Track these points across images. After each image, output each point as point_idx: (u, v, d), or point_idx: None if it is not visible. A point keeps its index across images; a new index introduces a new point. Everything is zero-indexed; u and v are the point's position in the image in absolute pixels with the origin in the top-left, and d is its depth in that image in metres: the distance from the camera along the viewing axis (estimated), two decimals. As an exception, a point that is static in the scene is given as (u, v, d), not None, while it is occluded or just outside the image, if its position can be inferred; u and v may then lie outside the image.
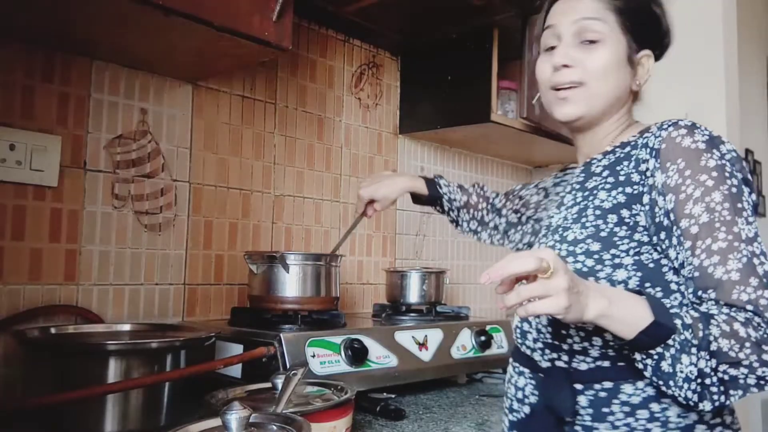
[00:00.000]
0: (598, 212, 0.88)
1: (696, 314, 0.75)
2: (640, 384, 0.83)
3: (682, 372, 0.73)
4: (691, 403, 0.74)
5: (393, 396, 1.24)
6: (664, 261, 0.84)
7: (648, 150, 0.86)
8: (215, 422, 0.73)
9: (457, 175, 2.21)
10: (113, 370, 0.96)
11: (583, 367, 0.86)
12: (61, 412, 0.95)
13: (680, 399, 0.75)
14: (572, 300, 0.70)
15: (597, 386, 0.85)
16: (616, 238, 0.85)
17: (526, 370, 0.94)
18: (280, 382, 0.90)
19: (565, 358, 0.88)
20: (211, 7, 1.07)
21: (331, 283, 1.38)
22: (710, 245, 0.78)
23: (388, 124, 1.97)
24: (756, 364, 0.73)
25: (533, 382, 0.92)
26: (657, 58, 0.99)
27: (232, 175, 1.54)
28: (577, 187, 0.96)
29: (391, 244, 1.96)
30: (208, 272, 1.48)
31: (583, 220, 0.89)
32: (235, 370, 1.17)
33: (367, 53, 1.91)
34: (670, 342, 0.73)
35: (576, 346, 0.86)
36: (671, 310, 0.75)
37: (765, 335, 0.73)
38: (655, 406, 0.83)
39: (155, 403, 1.01)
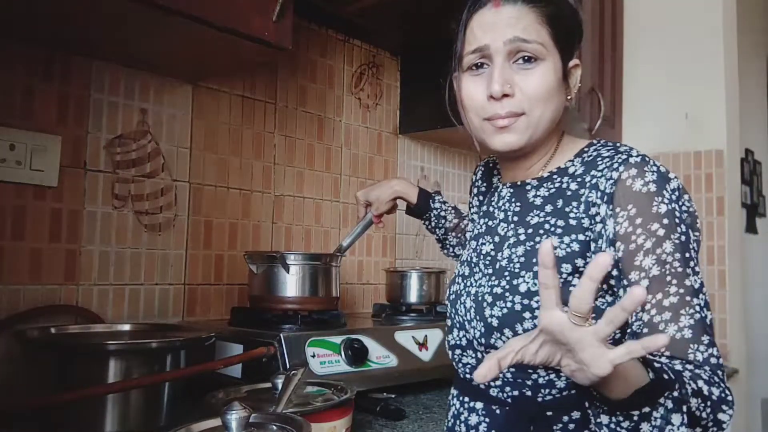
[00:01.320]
0: None
1: (674, 368, 0.69)
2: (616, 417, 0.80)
3: None
4: None
5: (393, 396, 1.24)
6: None
7: (598, 193, 0.78)
8: (215, 422, 0.73)
9: (457, 175, 2.21)
10: (113, 370, 0.96)
11: (549, 398, 0.81)
12: (61, 412, 0.95)
13: None
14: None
15: (565, 418, 0.80)
16: (571, 288, 0.74)
17: (479, 405, 0.87)
18: (280, 382, 0.90)
19: (528, 393, 0.82)
20: (211, 7, 1.07)
21: (331, 283, 1.38)
22: (661, 300, 0.73)
23: (388, 124, 1.97)
24: (710, 424, 0.69)
25: (487, 419, 0.85)
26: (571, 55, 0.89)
27: (232, 175, 1.54)
28: (516, 219, 0.88)
29: (391, 244, 1.96)
30: (208, 272, 1.48)
31: (535, 269, 0.79)
32: (235, 370, 1.17)
33: (367, 53, 1.91)
34: (661, 400, 0.63)
35: (541, 380, 0.81)
36: (655, 364, 0.66)
37: (723, 394, 0.70)
38: None
39: (155, 403, 1.01)
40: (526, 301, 0.79)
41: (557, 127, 0.89)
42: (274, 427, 0.74)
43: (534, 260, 0.80)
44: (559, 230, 0.81)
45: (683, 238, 0.76)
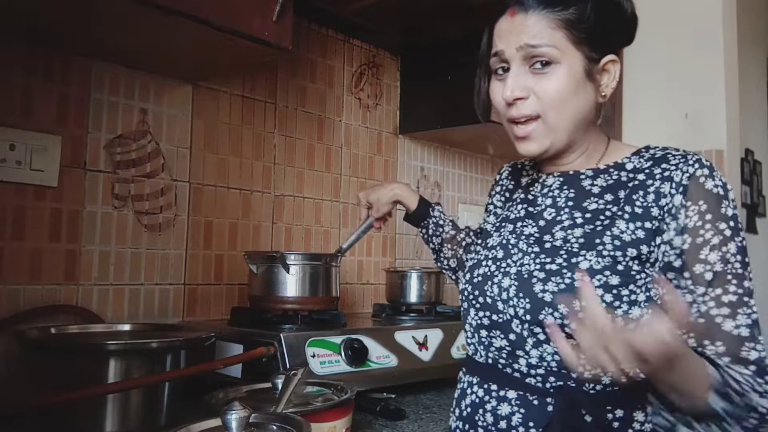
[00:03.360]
0: (617, 243, 0.82)
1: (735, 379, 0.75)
2: (650, 410, 0.80)
3: None
4: None
5: (393, 396, 1.24)
6: None
7: (672, 184, 0.82)
8: (215, 422, 0.73)
9: (457, 175, 2.21)
10: (113, 370, 0.96)
11: (593, 392, 0.81)
12: (61, 412, 0.95)
13: None
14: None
15: (609, 416, 0.80)
16: (633, 272, 0.81)
17: (511, 394, 0.85)
18: (280, 382, 0.90)
19: (572, 384, 0.81)
20: (211, 7, 1.07)
21: (331, 283, 1.38)
22: (720, 295, 0.77)
23: (388, 124, 1.97)
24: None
25: (522, 410, 0.83)
26: (627, 44, 0.93)
27: (232, 175, 1.54)
28: (571, 204, 0.89)
29: (391, 244, 1.96)
30: (208, 272, 1.48)
31: (599, 248, 0.82)
32: (235, 370, 1.17)
33: (367, 53, 1.91)
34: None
35: (587, 374, 0.78)
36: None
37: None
38: None
39: (155, 403, 1.01)
40: (587, 278, 0.77)
41: (595, 125, 0.92)
42: (274, 427, 0.74)
43: (601, 243, 0.83)
44: (626, 215, 0.84)
45: (744, 243, 0.81)
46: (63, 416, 0.95)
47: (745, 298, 0.78)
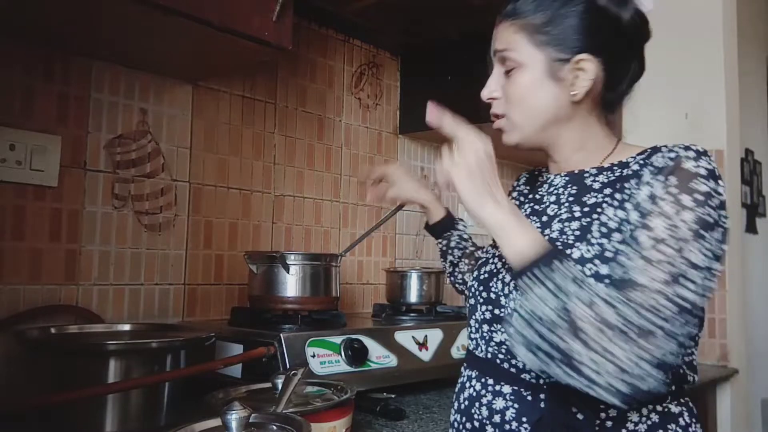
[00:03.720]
0: (603, 230, 0.82)
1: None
2: (645, 410, 0.81)
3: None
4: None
5: (393, 396, 1.24)
6: None
7: (655, 169, 0.81)
8: (215, 422, 0.73)
9: (457, 175, 2.21)
10: (113, 370, 0.96)
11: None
12: (61, 412, 0.95)
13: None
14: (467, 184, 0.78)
15: (603, 415, 0.80)
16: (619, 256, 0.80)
17: (506, 389, 0.86)
18: (280, 382, 0.90)
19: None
20: (211, 7, 1.07)
21: (331, 283, 1.38)
22: (651, 254, 0.72)
23: (388, 124, 1.97)
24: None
25: (516, 405, 0.84)
26: (646, 40, 0.93)
27: (232, 175, 1.54)
28: (571, 199, 0.90)
29: (391, 244, 1.96)
30: (208, 272, 1.48)
31: (589, 237, 0.83)
32: (235, 370, 1.17)
33: (367, 53, 1.91)
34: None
35: None
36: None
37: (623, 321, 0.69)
38: None
39: (155, 403, 1.01)
40: (578, 267, 0.78)
41: (595, 121, 0.93)
42: (274, 427, 0.74)
43: (590, 233, 0.83)
44: (615, 203, 0.84)
45: (709, 219, 0.74)
46: (63, 416, 0.95)
47: (679, 260, 0.71)
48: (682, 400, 0.85)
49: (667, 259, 0.72)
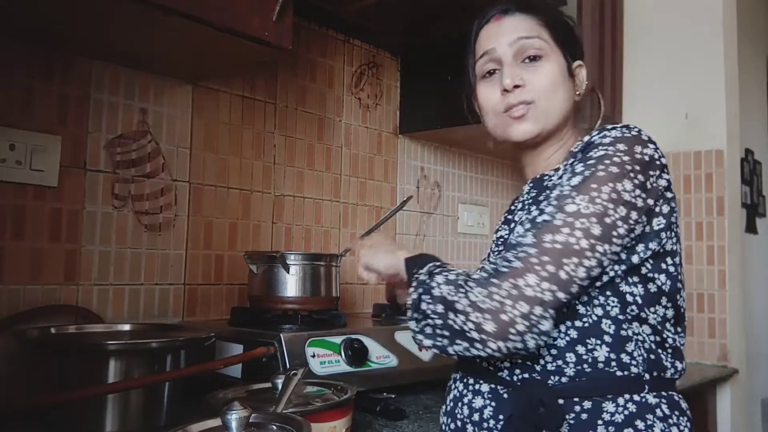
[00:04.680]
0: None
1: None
2: (621, 401, 0.80)
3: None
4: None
5: (393, 396, 1.24)
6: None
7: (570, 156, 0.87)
8: (215, 422, 0.73)
9: (457, 175, 2.21)
10: (113, 370, 0.96)
11: (558, 385, 0.81)
12: (61, 412, 0.95)
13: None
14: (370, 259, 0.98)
15: (577, 408, 0.80)
16: None
17: (485, 388, 0.87)
18: (280, 382, 0.90)
19: (538, 377, 0.82)
20: (211, 7, 1.07)
21: (331, 283, 1.38)
22: (535, 216, 0.81)
23: (388, 124, 1.97)
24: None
25: (494, 403, 0.85)
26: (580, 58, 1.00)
27: (232, 175, 1.54)
28: (530, 201, 0.95)
29: (391, 244, 1.95)
30: (208, 272, 1.48)
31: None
32: (235, 370, 1.17)
33: (367, 53, 1.91)
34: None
35: (549, 366, 0.82)
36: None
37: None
38: (640, 424, 0.79)
39: (155, 403, 1.01)
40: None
41: (573, 124, 0.98)
42: (274, 427, 0.74)
43: None
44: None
45: (600, 173, 0.78)
46: (63, 416, 0.95)
47: (570, 219, 0.77)
48: (664, 393, 0.84)
49: (546, 217, 0.79)
